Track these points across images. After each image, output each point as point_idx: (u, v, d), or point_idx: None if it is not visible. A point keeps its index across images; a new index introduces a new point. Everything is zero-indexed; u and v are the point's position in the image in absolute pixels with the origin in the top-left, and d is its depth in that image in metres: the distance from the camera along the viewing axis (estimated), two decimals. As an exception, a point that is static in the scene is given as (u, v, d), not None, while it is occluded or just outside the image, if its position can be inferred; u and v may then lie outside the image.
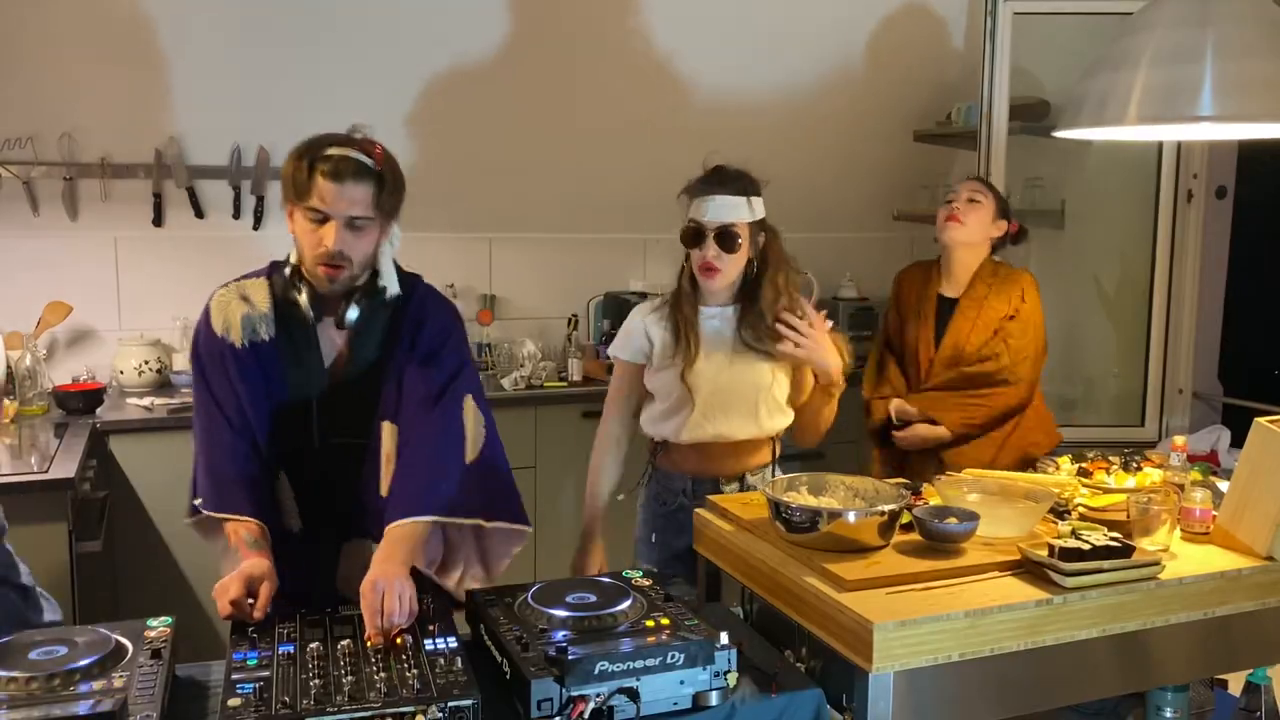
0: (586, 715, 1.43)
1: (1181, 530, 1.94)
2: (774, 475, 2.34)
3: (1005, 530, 1.84)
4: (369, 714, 1.36)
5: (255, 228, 3.69)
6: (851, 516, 1.77)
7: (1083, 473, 2.17)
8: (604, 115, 3.88)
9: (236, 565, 1.73)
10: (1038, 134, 3.48)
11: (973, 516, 1.81)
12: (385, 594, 1.60)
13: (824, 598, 1.64)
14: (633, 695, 1.45)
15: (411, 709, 1.37)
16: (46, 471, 2.63)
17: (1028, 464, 2.65)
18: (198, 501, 1.87)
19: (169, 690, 1.47)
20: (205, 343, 1.89)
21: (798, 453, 2.50)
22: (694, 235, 2.23)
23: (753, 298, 2.24)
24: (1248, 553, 1.85)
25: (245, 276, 1.94)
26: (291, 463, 1.92)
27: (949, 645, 1.59)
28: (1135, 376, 3.78)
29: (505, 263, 4.08)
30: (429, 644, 1.56)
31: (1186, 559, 1.84)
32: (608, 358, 3.96)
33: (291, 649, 1.53)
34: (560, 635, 1.54)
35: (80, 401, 3.23)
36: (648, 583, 1.77)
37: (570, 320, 4.03)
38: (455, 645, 1.56)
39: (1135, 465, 2.21)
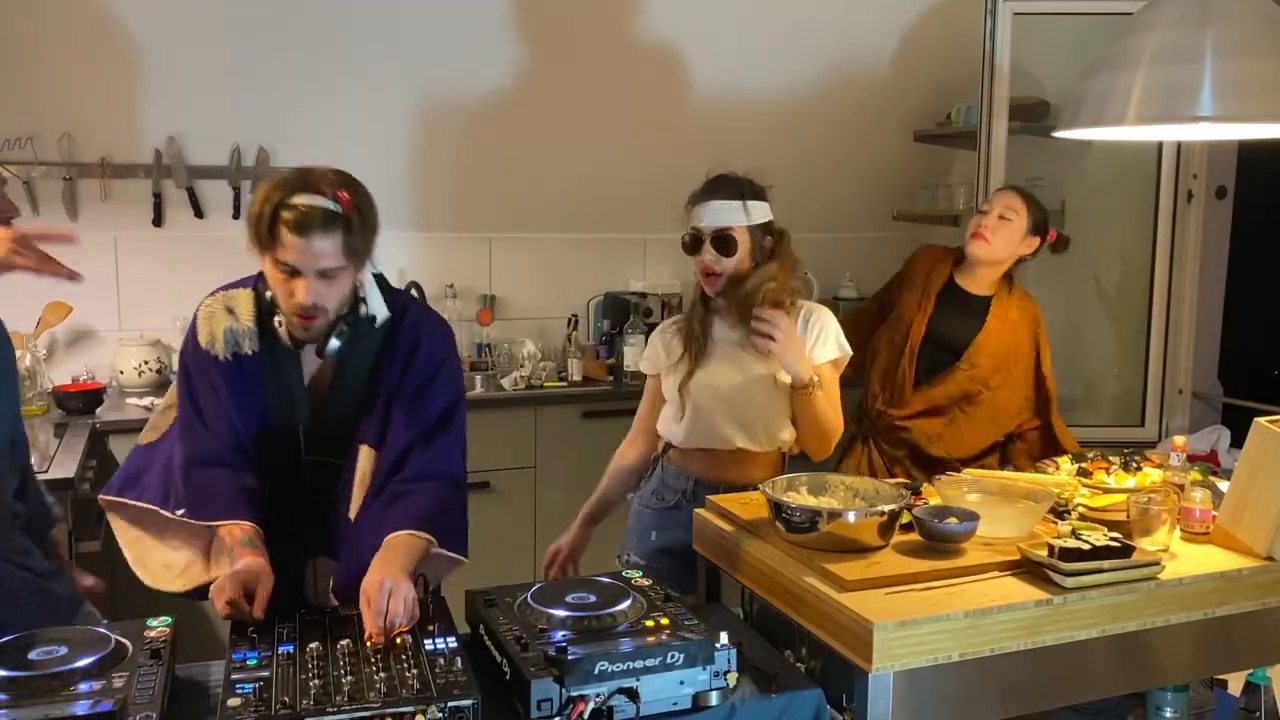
0: (586, 715, 1.43)
1: (1181, 530, 1.94)
2: None
3: (1005, 530, 1.84)
4: (369, 714, 1.36)
5: (255, 228, 3.69)
6: (851, 516, 1.77)
7: (1083, 473, 2.17)
8: (604, 115, 3.88)
9: (230, 564, 1.73)
10: (1038, 134, 3.48)
11: (973, 516, 1.81)
12: (391, 595, 1.60)
13: (824, 598, 1.64)
14: (632, 695, 1.45)
15: (411, 709, 1.37)
16: (46, 471, 2.63)
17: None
18: (180, 513, 1.86)
19: (169, 690, 1.47)
20: (191, 354, 1.89)
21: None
22: (693, 241, 2.26)
23: (741, 281, 2.24)
24: (1248, 553, 1.85)
25: (232, 285, 1.92)
26: (276, 478, 1.91)
27: (949, 645, 1.59)
28: (1135, 376, 3.78)
29: (505, 263, 4.08)
30: (429, 644, 1.55)
31: (1186, 559, 1.84)
32: (608, 358, 4.01)
33: (291, 649, 1.53)
34: (560, 635, 1.54)
35: (80, 401, 3.23)
36: (648, 583, 1.77)
37: (570, 320, 4.03)
38: (455, 645, 1.55)
39: (1135, 465, 2.20)
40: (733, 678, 1.52)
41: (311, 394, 1.91)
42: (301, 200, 1.70)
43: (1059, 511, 1.97)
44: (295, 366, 1.89)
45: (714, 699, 1.51)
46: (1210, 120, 2.25)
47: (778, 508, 1.82)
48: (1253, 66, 2.22)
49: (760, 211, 2.25)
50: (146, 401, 3.30)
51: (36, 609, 1.74)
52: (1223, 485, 2.02)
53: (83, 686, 1.41)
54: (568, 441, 3.61)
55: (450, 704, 1.38)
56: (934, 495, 2.02)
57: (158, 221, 3.60)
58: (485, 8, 3.60)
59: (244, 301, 1.88)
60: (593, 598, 1.67)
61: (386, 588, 1.61)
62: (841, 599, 1.61)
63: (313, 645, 1.53)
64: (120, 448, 3.12)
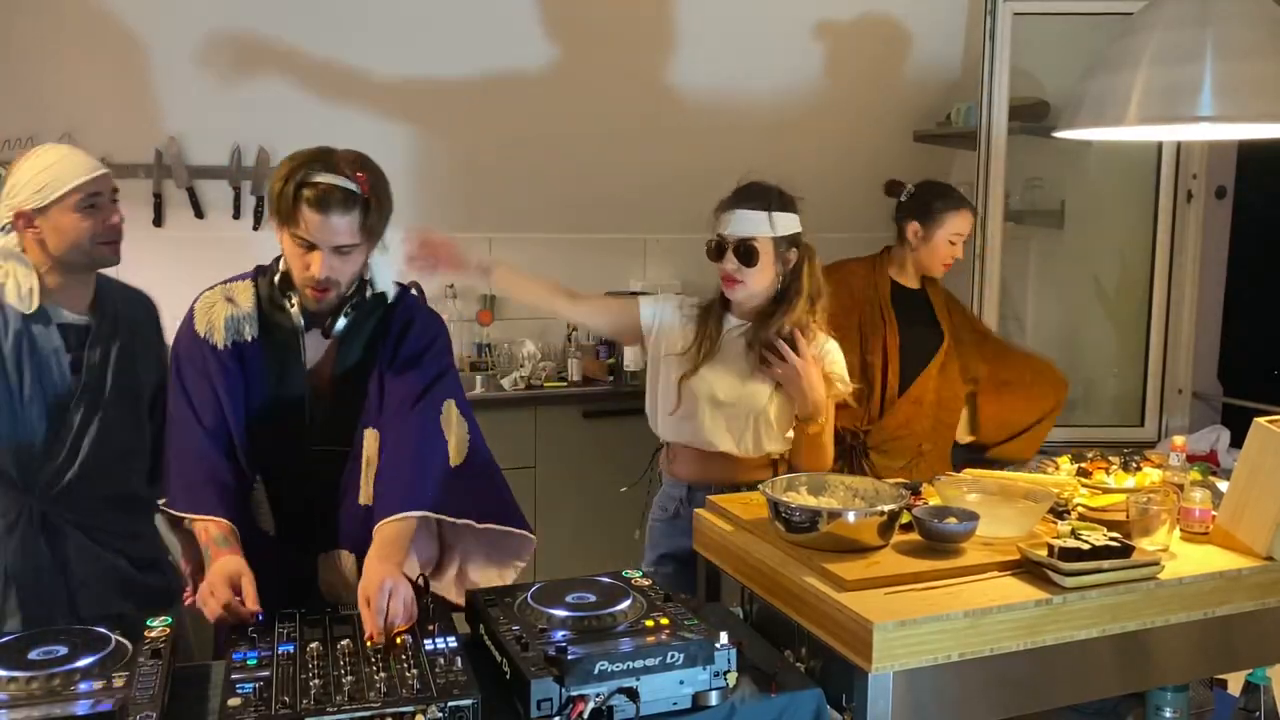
0: (586, 715, 1.43)
1: (1181, 530, 1.94)
2: None
3: (1005, 530, 1.84)
4: (369, 714, 1.36)
5: (255, 228, 3.68)
6: (851, 516, 1.77)
7: (1082, 473, 2.17)
8: (604, 115, 3.88)
9: (203, 562, 1.74)
10: (1037, 134, 3.48)
11: (972, 516, 1.81)
12: (392, 595, 1.61)
13: (824, 598, 1.64)
14: (632, 695, 1.45)
15: (411, 709, 1.37)
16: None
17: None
18: (162, 502, 1.88)
19: (169, 690, 1.47)
20: (185, 345, 1.90)
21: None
22: (716, 249, 2.26)
23: (768, 315, 2.25)
24: (1247, 553, 1.85)
25: (230, 280, 1.95)
26: (276, 470, 1.92)
27: (949, 645, 1.59)
28: (1135, 376, 3.78)
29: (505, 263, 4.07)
30: (429, 644, 1.56)
31: (1186, 559, 1.84)
32: (608, 358, 4.01)
33: (291, 649, 1.53)
34: (560, 635, 1.55)
35: (80, 401, 3.22)
36: (647, 583, 1.77)
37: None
38: (455, 645, 1.56)
39: (1135, 465, 2.20)
40: (732, 677, 1.52)
41: (314, 379, 1.92)
42: (323, 179, 1.79)
43: (1059, 511, 1.97)
44: (297, 349, 1.90)
45: (714, 699, 1.51)
46: (1210, 120, 2.25)
47: (777, 507, 1.82)
48: (1253, 66, 2.22)
49: (786, 223, 2.24)
50: (146, 401, 3.29)
51: (118, 602, 1.79)
52: (1222, 485, 2.02)
53: (83, 686, 1.41)
54: (568, 441, 3.61)
55: (450, 704, 1.39)
56: (934, 495, 2.02)
57: (158, 221, 3.60)
58: (486, 10, 3.60)
59: (243, 292, 1.92)
60: (593, 597, 1.67)
61: (387, 587, 1.61)
62: (841, 599, 1.61)
63: (313, 645, 1.54)
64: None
